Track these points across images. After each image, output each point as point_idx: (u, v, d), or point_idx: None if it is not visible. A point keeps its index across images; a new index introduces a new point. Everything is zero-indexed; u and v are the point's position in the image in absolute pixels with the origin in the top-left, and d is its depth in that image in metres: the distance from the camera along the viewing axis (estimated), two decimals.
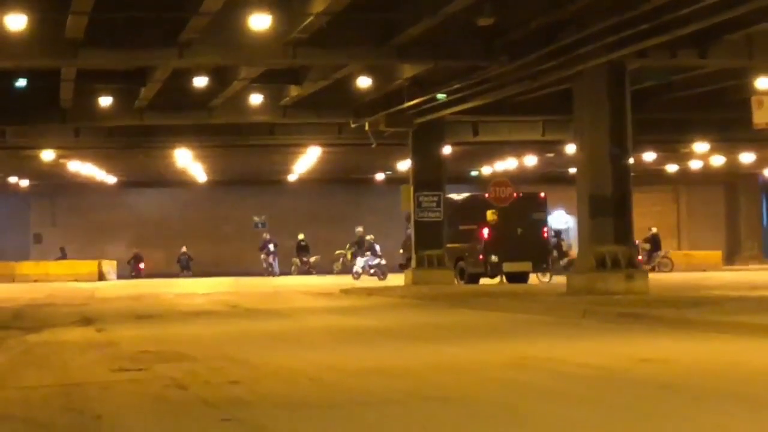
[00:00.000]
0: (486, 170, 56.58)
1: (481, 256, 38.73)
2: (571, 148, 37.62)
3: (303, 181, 60.02)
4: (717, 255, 61.86)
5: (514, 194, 38.07)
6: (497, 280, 37.77)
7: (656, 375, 12.00)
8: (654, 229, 54.80)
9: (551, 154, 48.48)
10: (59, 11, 22.37)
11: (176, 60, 25.74)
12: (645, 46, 24.49)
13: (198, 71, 29.70)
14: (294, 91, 32.79)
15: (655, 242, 53.67)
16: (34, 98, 32.84)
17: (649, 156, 49.59)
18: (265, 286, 42.16)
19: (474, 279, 39.08)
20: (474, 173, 58.40)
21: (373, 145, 38.48)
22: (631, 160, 28.71)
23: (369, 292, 34.40)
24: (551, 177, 58.50)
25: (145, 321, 23.51)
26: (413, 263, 37.78)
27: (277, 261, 56.97)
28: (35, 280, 50.84)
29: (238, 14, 23.03)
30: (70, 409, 10.43)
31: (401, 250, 46.04)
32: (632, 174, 28.37)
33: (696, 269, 55.21)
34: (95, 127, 38.54)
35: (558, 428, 8.72)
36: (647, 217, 57.35)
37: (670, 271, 51.65)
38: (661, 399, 10.15)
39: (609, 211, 27.22)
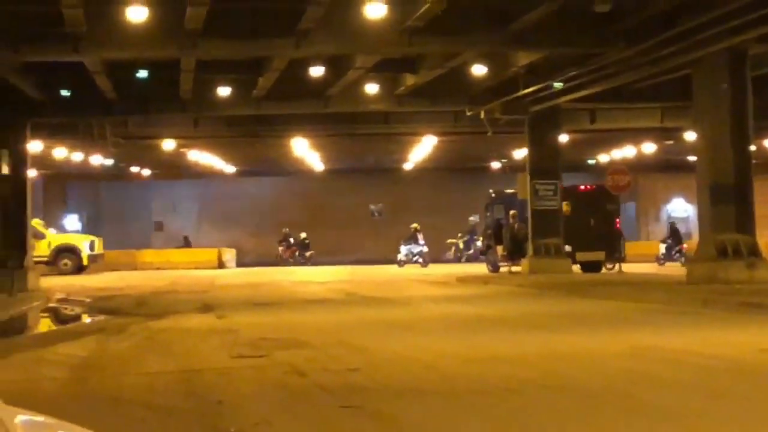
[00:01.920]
0: (603, 158, 56.03)
1: None
2: (690, 135, 37.07)
3: (418, 170, 60.05)
4: None
5: (593, 186, 39.65)
6: (616, 268, 37.62)
7: None
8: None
9: (670, 142, 47.78)
10: (179, 2, 22.69)
11: (293, 50, 25.91)
12: (767, 30, 24.02)
13: (314, 60, 29.88)
14: (409, 79, 32.80)
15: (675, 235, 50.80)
16: (155, 89, 33.35)
17: None
18: (381, 274, 42.35)
19: None
20: (591, 161, 57.86)
21: (489, 134, 38.30)
22: (753, 147, 28.19)
23: (485, 280, 34.37)
24: (670, 165, 57.71)
25: (264, 308, 23.78)
26: (530, 251, 37.58)
27: (297, 253, 58.67)
28: (157, 268, 51.65)
29: (355, 3, 23.13)
30: (192, 395, 10.62)
31: (481, 238, 47.43)
32: (753, 161, 27.87)
33: None
34: (214, 117, 38.99)
35: (677, 419, 8.63)
36: None
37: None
38: None
39: (730, 199, 26.77)
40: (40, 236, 47.51)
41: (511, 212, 41.68)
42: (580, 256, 39.27)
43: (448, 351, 13.89)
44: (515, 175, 41.63)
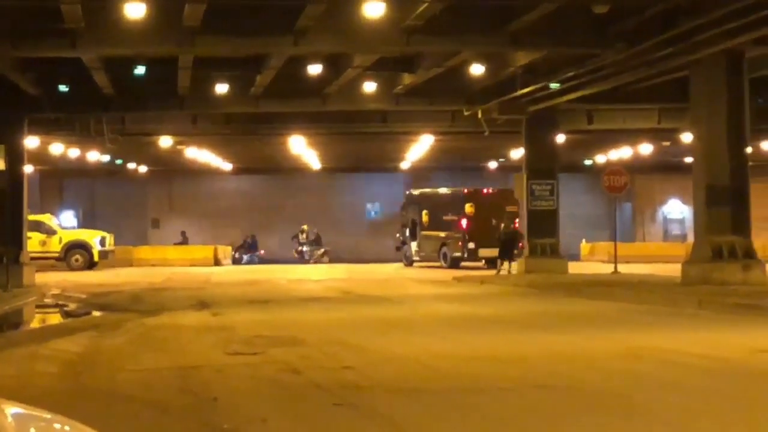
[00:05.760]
0: (600, 159, 56.03)
1: (460, 243, 45.33)
2: (687, 137, 37.10)
3: (416, 169, 60.04)
4: None
5: (495, 190, 46.19)
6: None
7: None
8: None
9: (667, 143, 47.76)
10: None
11: (291, 47, 25.87)
12: (764, 32, 24.02)
13: (312, 59, 29.86)
14: (407, 78, 32.78)
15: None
16: (153, 85, 33.25)
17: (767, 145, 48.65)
18: (378, 273, 42.36)
19: (455, 263, 45.14)
20: (588, 162, 57.86)
21: (486, 133, 38.27)
22: (749, 150, 28.19)
23: (481, 280, 34.37)
24: (667, 166, 57.71)
25: (260, 306, 23.77)
26: (526, 251, 37.58)
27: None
28: (153, 265, 51.52)
29: (353, 2, 23.10)
30: (187, 391, 10.62)
31: (397, 235, 52.15)
32: (750, 163, 27.87)
33: None
34: (212, 114, 38.90)
35: (672, 419, 8.64)
36: (765, 207, 56.25)
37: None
38: None
39: (726, 201, 26.78)
40: (51, 232, 47.50)
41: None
42: (483, 252, 44.18)
43: (444, 350, 13.89)
44: (512, 175, 41.67)
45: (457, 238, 45.77)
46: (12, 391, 10.33)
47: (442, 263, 46.48)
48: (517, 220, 44.21)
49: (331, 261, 56.09)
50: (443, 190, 49.91)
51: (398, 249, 51.60)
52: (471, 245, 45.06)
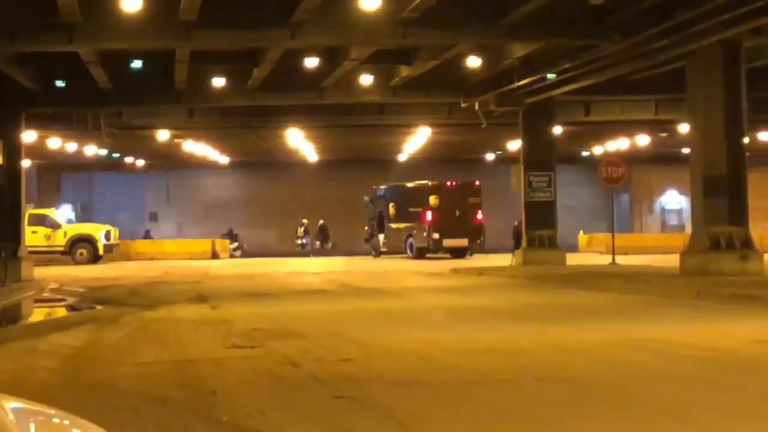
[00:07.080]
0: (597, 150, 56.00)
1: (425, 234, 47.86)
2: (684, 128, 37.10)
3: (413, 161, 60.00)
4: None
5: (458, 182, 48.80)
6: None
7: None
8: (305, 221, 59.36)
9: (664, 134, 47.75)
10: None
11: (288, 41, 25.86)
12: (761, 23, 24.04)
13: (309, 52, 29.82)
14: (404, 71, 32.75)
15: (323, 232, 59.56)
16: (149, 79, 33.24)
17: (764, 135, 48.65)
18: (375, 265, 42.37)
19: (421, 253, 47.86)
20: (585, 153, 57.82)
21: (483, 125, 38.27)
22: (746, 140, 28.21)
23: (479, 272, 34.36)
24: (664, 157, 57.70)
25: (258, 299, 23.77)
26: (524, 243, 37.57)
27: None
28: (151, 258, 51.53)
29: None
30: (185, 385, 10.62)
31: (366, 227, 54.98)
32: (747, 154, 27.88)
33: None
34: (209, 108, 38.88)
35: (670, 409, 8.65)
36: (763, 198, 56.27)
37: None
38: None
39: (723, 192, 26.80)
40: (55, 226, 47.46)
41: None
42: (447, 242, 47.22)
43: (442, 342, 13.90)
44: (510, 166, 41.63)
45: (422, 230, 47.97)
46: (11, 385, 10.36)
47: (408, 254, 48.99)
48: (480, 212, 47.77)
49: (334, 254, 56.18)
50: (409, 184, 51.75)
51: (366, 241, 54.38)
52: (435, 236, 47.39)
